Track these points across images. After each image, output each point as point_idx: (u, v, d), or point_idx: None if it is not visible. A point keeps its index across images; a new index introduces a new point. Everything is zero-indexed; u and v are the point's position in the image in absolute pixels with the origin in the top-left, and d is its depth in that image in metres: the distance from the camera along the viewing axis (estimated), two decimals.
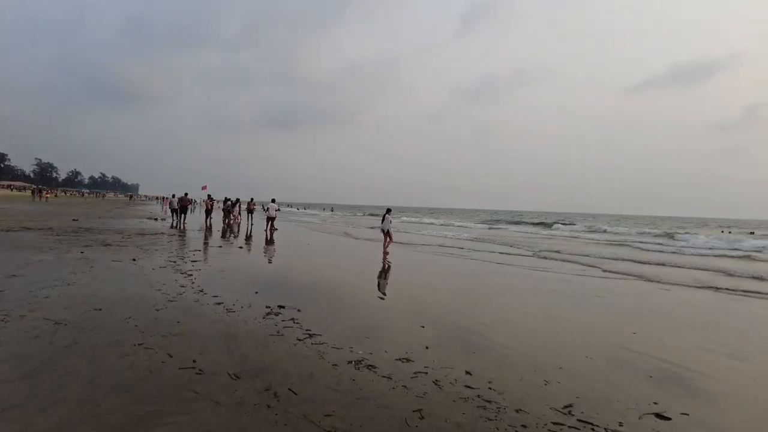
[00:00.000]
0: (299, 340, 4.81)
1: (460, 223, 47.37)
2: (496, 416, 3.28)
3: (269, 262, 11.76)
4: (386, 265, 12.02)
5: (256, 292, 7.12)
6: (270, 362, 4.09)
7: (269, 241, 17.37)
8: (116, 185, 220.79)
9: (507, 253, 17.19)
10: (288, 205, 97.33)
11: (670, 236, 30.80)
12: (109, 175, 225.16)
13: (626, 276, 11.67)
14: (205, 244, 14.75)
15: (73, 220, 21.92)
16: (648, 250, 20.47)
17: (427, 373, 4.05)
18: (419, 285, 9.45)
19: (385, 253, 14.47)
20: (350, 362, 4.20)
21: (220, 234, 19.44)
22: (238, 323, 5.31)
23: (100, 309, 5.56)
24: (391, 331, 5.44)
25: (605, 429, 3.19)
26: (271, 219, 22.09)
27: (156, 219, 27.38)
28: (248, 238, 18.43)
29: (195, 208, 47.00)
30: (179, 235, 17.03)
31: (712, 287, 10.32)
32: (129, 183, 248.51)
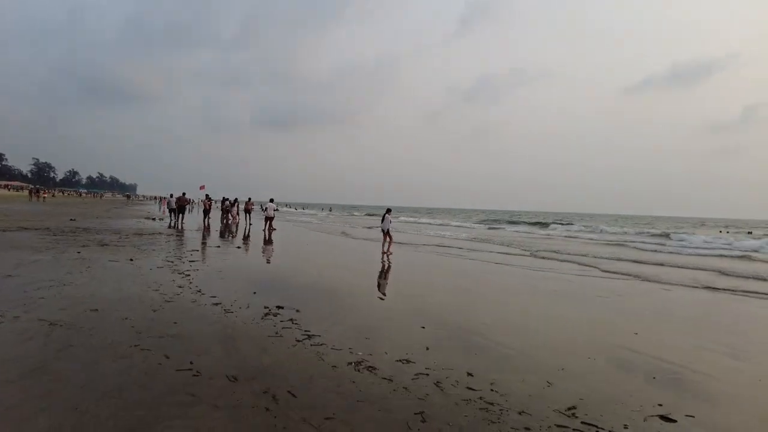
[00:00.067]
0: (298, 341, 4.75)
1: (457, 223, 47.38)
2: (498, 419, 3.22)
3: (267, 262, 11.69)
4: (385, 265, 11.96)
5: (255, 293, 7.06)
6: (268, 364, 4.02)
7: (267, 241, 17.30)
8: (114, 185, 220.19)
9: (505, 253, 17.16)
10: (286, 205, 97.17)
11: (668, 236, 30.81)
12: (107, 175, 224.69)
13: (625, 276, 11.63)
14: (203, 244, 14.67)
15: (71, 220, 21.80)
16: (646, 250, 20.47)
17: (428, 374, 3.99)
18: (418, 285, 9.39)
19: (384, 253, 14.41)
20: (350, 364, 4.14)
21: (218, 234, 19.36)
22: (236, 324, 5.25)
23: (96, 310, 5.49)
24: (391, 332, 5.38)
25: None
26: (269, 219, 22.01)
27: (154, 219, 27.27)
28: (246, 238, 18.36)
29: (193, 208, 46.88)
30: (177, 235, 16.94)
31: (711, 287, 10.29)
32: (127, 183, 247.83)
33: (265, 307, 6.07)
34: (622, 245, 23.61)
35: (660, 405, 3.58)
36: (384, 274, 10.64)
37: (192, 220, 27.72)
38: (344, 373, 3.92)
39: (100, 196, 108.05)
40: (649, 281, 10.84)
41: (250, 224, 24.94)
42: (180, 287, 7.11)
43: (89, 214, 29.30)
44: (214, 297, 6.54)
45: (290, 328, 5.21)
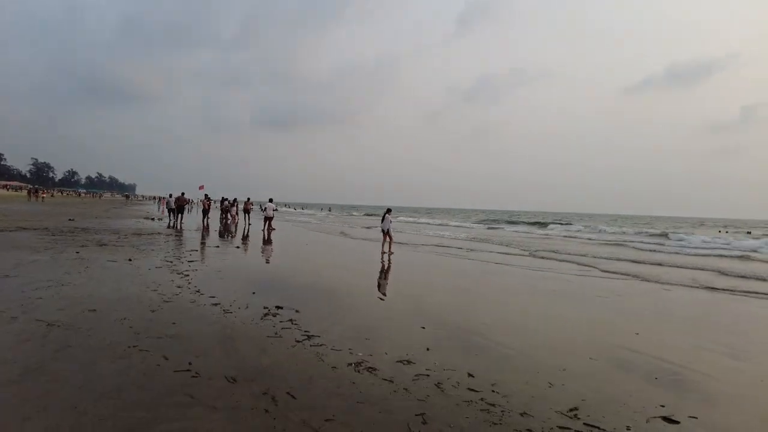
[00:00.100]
0: (298, 341, 4.72)
1: (456, 223, 47.38)
2: (500, 420, 3.20)
3: (267, 262, 11.66)
4: (385, 265, 11.93)
5: (254, 293, 7.02)
6: (268, 365, 3.99)
7: (267, 241, 17.27)
8: (113, 185, 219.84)
9: (504, 253, 17.14)
10: (285, 205, 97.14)
11: (667, 236, 30.82)
12: (106, 175, 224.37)
13: (625, 276, 11.60)
14: (202, 244, 14.63)
15: (69, 220, 21.75)
16: (645, 250, 20.47)
17: (428, 375, 3.96)
18: (418, 285, 9.37)
19: (383, 253, 14.39)
20: (350, 364, 4.11)
21: (218, 234, 19.32)
22: (236, 324, 5.21)
23: (95, 310, 5.45)
24: (391, 332, 5.35)
25: None
26: (268, 219, 21.98)
27: (153, 219, 27.23)
28: (245, 238, 18.33)
29: (192, 208, 46.83)
30: (176, 235, 16.91)
31: (710, 287, 10.27)
32: (126, 183, 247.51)
33: (265, 308, 6.04)
34: (621, 245, 23.61)
35: (662, 406, 3.55)
36: (383, 274, 10.60)
37: (191, 220, 27.67)
38: (344, 374, 3.89)
39: (99, 196, 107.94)
40: (649, 281, 10.82)
41: (249, 224, 24.91)
42: (179, 287, 7.07)
43: (88, 214, 29.24)
44: (213, 297, 6.51)
45: (290, 328, 5.18)
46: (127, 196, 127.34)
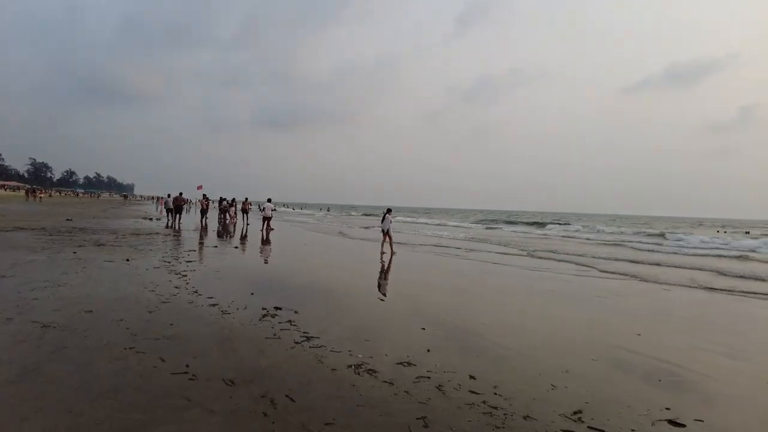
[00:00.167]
0: (296, 343, 4.66)
1: (455, 223, 47.34)
2: (503, 423, 3.14)
3: (265, 263, 11.59)
4: (384, 265, 11.87)
5: (252, 293, 6.96)
6: (266, 367, 3.93)
7: (265, 241, 17.20)
8: (111, 185, 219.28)
9: (503, 253, 17.10)
10: (284, 205, 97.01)
11: (664, 236, 30.83)
12: (104, 175, 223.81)
13: (624, 276, 11.57)
14: (201, 244, 14.55)
15: (67, 220, 21.64)
16: (643, 250, 20.46)
17: (429, 377, 3.90)
18: (417, 285, 9.31)
19: (383, 253, 14.34)
20: (350, 366, 4.05)
21: (216, 234, 19.23)
22: (234, 325, 5.15)
23: (91, 311, 5.38)
24: (391, 333, 5.29)
25: None
26: (267, 219, 21.90)
27: (151, 219, 27.13)
28: (244, 238, 18.25)
29: (190, 208, 46.68)
30: (174, 235, 16.82)
31: (710, 288, 10.23)
32: (124, 183, 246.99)
33: (263, 308, 5.98)
34: (619, 245, 23.59)
35: (667, 409, 3.50)
36: (382, 274, 10.55)
37: (189, 220, 27.57)
38: (344, 376, 3.83)
39: (98, 196, 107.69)
40: (649, 281, 10.78)
41: (247, 224, 24.83)
42: (176, 288, 7.01)
43: (86, 214, 29.13)
44: (211, 298, 6.44)
45: (288, 329, 5.12)
46: (126, 196, 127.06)
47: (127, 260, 9.55)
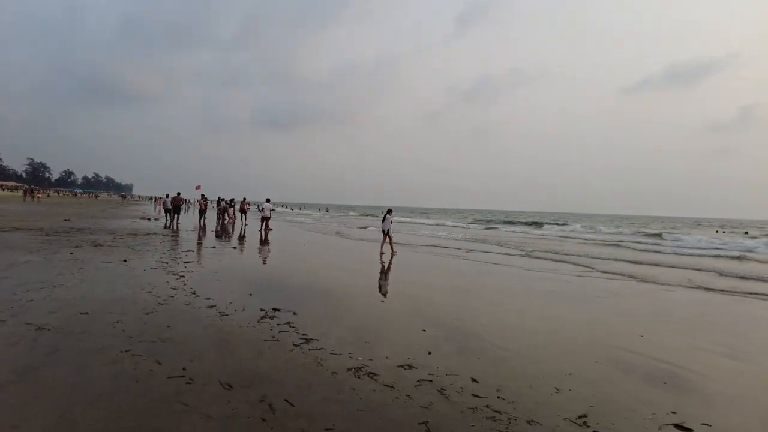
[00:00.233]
0: (295, 345, 4.58)
1: (453, 223, 47.27)
2: (507, 428, 3.07)
3: (264, 263, 11.51)
4: (384, 266, 11.80)
5: (251, 294, 6.88)
6: (265, 370, 3.86)
7: (264, 242, 17.12)
8: (110, 185, 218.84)
9: (502, 254, 17.04)
10: (282, 206, 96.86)
11: (662, 236, 30.82)
12: (102, 175, 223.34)
13: (623, 277, 11.52)
14: (199, 244, 14.47)
15: (65, 220, 21.54)
16: (643, 251, 20.46)
17: (431, 381, 3.83)
18: (417, 285, 9.24)
19: (382, 254, 14.27)
20: (350, 369, 3.98)
21: (214, 234, 19.14)
22: (232, 327, 5.08)
23: (87, 313, 5.30)
24: (391, 335, 5.22)
25: None
26: (265, 219, 21.82)
27: (149, 219, 27.03)
28: (242, 238, 18.16)
29: (189, 208, 46.56)
30: (172, 236, 16.73)
31: (710, 288, 10.18)
32: (123, 183, 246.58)
33: (262, 310, 5.90)
34: (617, 245, 23.53)
35: (674, 412, 3.44)
36: (381, 274, 10.48)
37: (188, 220, 27.48)
38: (344, 379, 3.76)
39: (96, 197, 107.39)
40: (649, 282, 10.73)
41: (245, 224, 24.75)
42: (174, 289, 6.92)
43: (84, 214, 29.02)
44: (209, 299, 6.36)
45: (287, 331, 5.04)
46: (124, 197, 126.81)
47: (125, 261, 9.46)
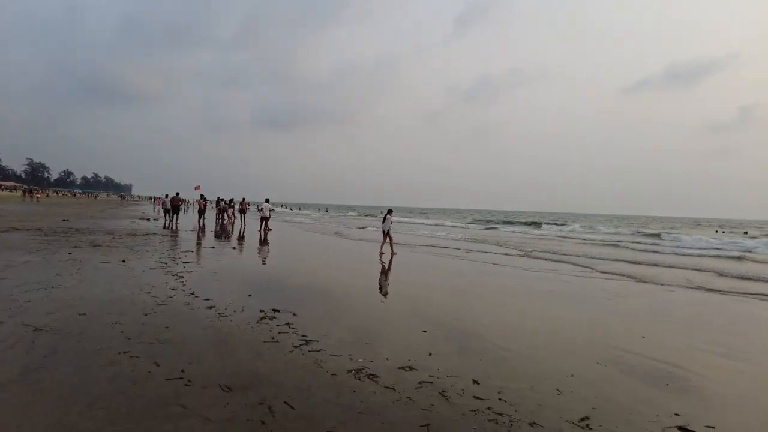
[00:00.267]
0: (295, 346, 4.55)
1: (452, 224, 47.26)
2: (509, 431, 3.04)
3: (263, 263, 11.48)
4: (384, 266, 11.77)
5: (250, 295, 6.85)
6: (264, 372, 3.82)
7: (263, 242, 17.08)
8: (109, 185, 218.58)
9: (502, 254, 17.02)
10: (282, 206, 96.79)
11: (661, 237, 30.83)
12: (102, 175, 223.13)
13: (623, 277, 11.49)
14: (198, 244, 14.43)
15: (64, 220, 21.49)
16: (641, 251, 20.45)
17: (432, 383, 3.79)
18: (416, 286, 9.21)
19: (382, 254, 14.24)
20: (350, 371, 3.94)
21: (213, 234, 19.10)
22: (231, 328, 5.04)
23: (85, 314, 5.26)
24: (392, 336, 5.19)
25: None
26: (265, 219, 21.78)
27: (148, 219, 26.97)
28: (241, 238, 18.12)
29: (188, 208, 46.49)
30: (171, 236, 16.69)
31: (710, 289, 10.16)
32: (122, 183, 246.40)
33: (261, 311, 5.87)
34: (616, 245, 23.51)
35: (677, 414, 3.41)
36: (381, 275, 10.45)
37: (187, 220, 27.44)
38: (344, 381, 3.72)
39: (95, 197, 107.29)
40: (649, 282, 10.70)
41: (244, 225, 24.72)
42: (173, 290, 6.89)
43: (83, 214, 28.96)
44: (208, 300, 6.33)
45: (287, 332, 5.01)
46: (123, 197, 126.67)
47: (123, 261, 9.42)
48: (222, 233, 19.95)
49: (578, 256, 16.79)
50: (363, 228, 31.70)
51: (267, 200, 22.55)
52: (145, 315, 5.37)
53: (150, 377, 3.56)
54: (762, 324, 7.31)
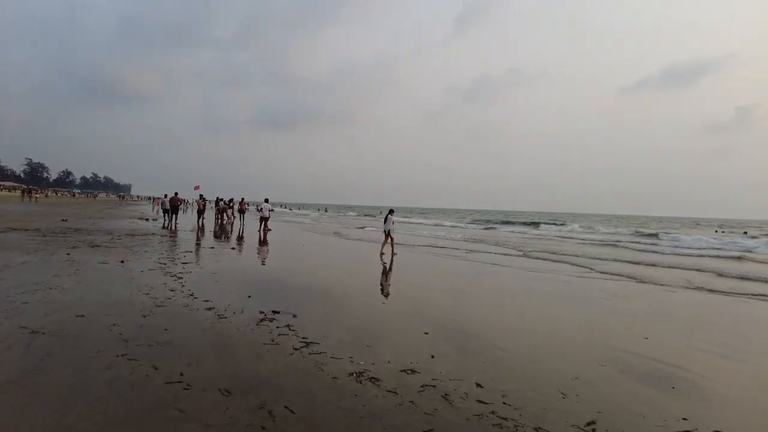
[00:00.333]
0: (295, 349, 4.49)
1: (451, 224, 47.22)
2: None
3: (262, 264, 11.42)
4: (383, 267, 11.71)
5: (249, 296, 6.79)
6: (264, 375, 3.76)
7: (262, 242, 17.01)
8: (108, 185, 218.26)
9: (502, 254, 16.97)
10: (281, 206, 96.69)
11: (657, 236, 30.81)
12: (101, 175, 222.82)
13: (624, 277, 11.44)
14: (197, 245, 14.37)
15: (62, 220, 21.41)
16: (640, 251, 20.44)
17: (434, 386, 3.74)
18: (417, 287, 9.14)
19: (382, 254, 14.17)
20: (351, 374, 3.88)
21: (213, 235, 19.03)
22: (230, 330, 4.98)
23: (83, 315, 5.20)
24: (393, 339, 5.12)
25: None
26: (264, 219, 21.70)
27: (147, 219, 26.89)
28: (241, 238, 18.05)
29: (187, 208, 46.39)
30: (170, 236, 16.61)
31: (712, 290, 10.11)
32: (121, 183, 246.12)
33: (261, 312, 5.81)
34: (615, 245, 23.48)
35: (685, 419, 3.35)
36: (381, 275, 10.39)
37: (186, 220, 27.36)
38: (345, 385, 3.66)
39: (94, 197, 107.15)
40: (649, 283, 10.65)
41: (243, 225, 24.65)
42: (172, 291, 6.82)
43: (82, 214, 28.87)
44: (208, 301, 6.27)
45: (287, 334, 4.95)
46: (122, 197, 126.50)
47: (122, 262, 9.35)
48: (221, 233, 19.88)
49: (577, 256, 16.74)
50: (362, 228, 31.64)
51: (266, 200, 22.47)
52: (144, 317, 5.31)
53: (148, 380, 3.51)
54: (764, 325, 7.26)
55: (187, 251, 12.07)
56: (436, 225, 43.25)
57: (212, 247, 13.58)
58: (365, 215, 67.99)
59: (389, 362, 4.25)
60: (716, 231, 43.77)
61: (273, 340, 4.71)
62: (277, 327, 5.20)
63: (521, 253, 17.40)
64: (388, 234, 14.82)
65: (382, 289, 8.66)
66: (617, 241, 26.30)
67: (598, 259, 15.96)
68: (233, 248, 13.91)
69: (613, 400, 3.66)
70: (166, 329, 4.86)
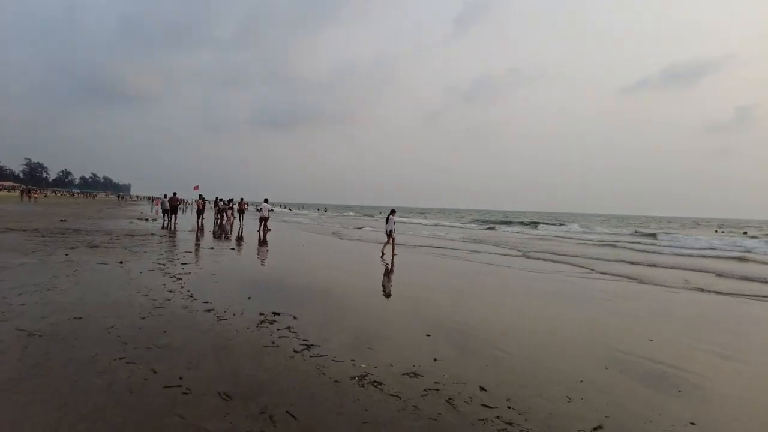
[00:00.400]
0: (296, 351, 4.43)
1: (451, 224, 47.17)
2: None
3: (262, 264, 11.35)
4: (384, 267, 11.65)
5: (249, 298, 6.72)
6: (265, 379, 3.70)
7: (262, 242, 16.94)
8: (107, 185, 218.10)
9: (501, 254, 16.90)
10: (281, 206, 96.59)
11: (655, 236, 30.80)
12: (100, 175, 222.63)
13: (625, 278, 11.38)
14: (196, 245, 14.30)
15: (61, 220, 21.34)
16: (640, 251, 20.38)
17: (438, 390, 3.67)
18: (418, 287, 9.08)
19: (383, 254, 14.11)
20: (353, 378, 3.82)
21: (212, 235, 18.96)
22: (230, 333, 4.92)
23: (81, 317, 5.14)
24: (395, 341, 5.06)
25: None
26: (264, 219, 21.63)
27: (146, 220, 26.82)
28: (240, 239, 17.98)
29: (186, 208, 46.29)
30: (169, 237, 16.54)
31: (713, 291, 10.05)
32: (121, 183, 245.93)
33: (261, 314, 5.75)
34: (614, 246, 23.42)
35: (693, 423, 3.29)
36: (382, 276, 10.32)
37: (186, 220, 27.28)
38: (347, 389, 3.60)
39: (94, 197, 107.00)
40: (650, 284, 10.59)
41: (242, 225, 24.59)
42: (171, 292, 6.76)
43: (81, 214, 28.79)
44: (207, 302, 6.20)
45: (287, 336, 4.89)
46: (121, 197, 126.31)
47: (121, 263, 9.29)
48: (221, 234, 19.81)
49: (577, 256, 16.68)
50: (360, 228, 31.58)
51: (266, 200, 22.39)
52: (143, 319, 5.25)
53: (147, 385, 3.44)
54: (766, 325, 7.20)
55: (186, 252, 12.01)
56: (435, 225, 43.21)
57: (212, 248, 13.51)
58: (365, 215, 67.94)
59: (391, 365, 4.18)
60: (716, 231, 43.78)
61: (273, 343, 4.65)
62: (278, 329, 5.14)
63: (521, 253, 17.33)
64: (389, 234, 14.74)
65: (383, 290, 8.59)
66: (617, 242, 26.25)
67: (598, 259, 15.90)
68: (233, 249, 13.85)
69: (619, 404, 3.59)
70: (165, 331, 4.80)
